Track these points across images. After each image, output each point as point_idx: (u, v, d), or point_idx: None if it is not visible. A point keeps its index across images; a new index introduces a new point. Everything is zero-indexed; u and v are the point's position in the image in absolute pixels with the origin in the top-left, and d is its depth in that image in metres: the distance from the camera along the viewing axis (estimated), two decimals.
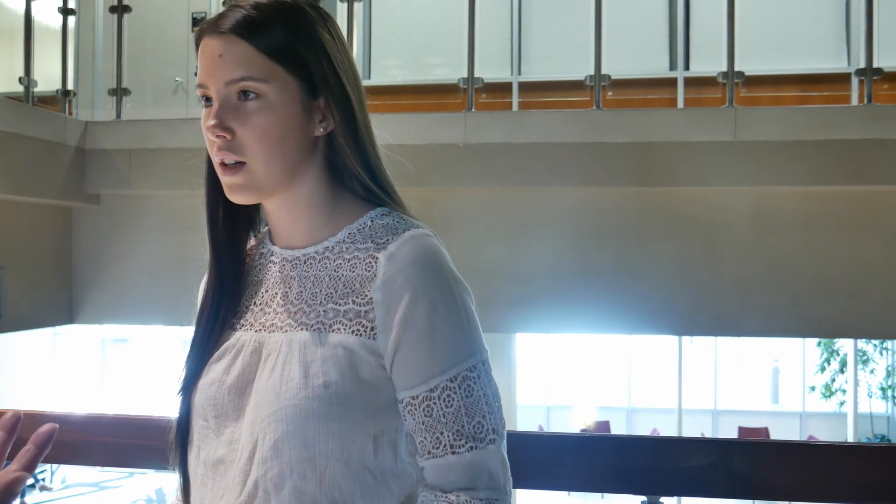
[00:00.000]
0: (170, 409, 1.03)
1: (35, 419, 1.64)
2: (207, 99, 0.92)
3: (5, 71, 4.98)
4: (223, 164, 0.91)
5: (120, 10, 4.77)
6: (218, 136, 0.89)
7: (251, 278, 1.01)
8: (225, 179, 0.92)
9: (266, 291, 0.98)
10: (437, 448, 0.88)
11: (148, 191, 4.76)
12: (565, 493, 8.57)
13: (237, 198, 0.93)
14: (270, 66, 0.89)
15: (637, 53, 5.66)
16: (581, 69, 4.03)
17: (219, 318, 0.98)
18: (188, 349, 1.00)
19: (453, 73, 4.76)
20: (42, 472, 5.73)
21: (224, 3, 4.74)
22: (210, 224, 1.00)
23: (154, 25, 5.42)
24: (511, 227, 4.06)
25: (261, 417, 0.89)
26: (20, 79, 4.58)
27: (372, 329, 0.89)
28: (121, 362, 6.72)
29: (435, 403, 0.88)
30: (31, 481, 5.70)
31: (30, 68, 4.60)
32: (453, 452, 0.88)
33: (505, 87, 5.66)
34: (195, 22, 5.58)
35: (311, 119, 0.93)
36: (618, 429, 7.96)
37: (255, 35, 0.89)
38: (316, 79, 0.91)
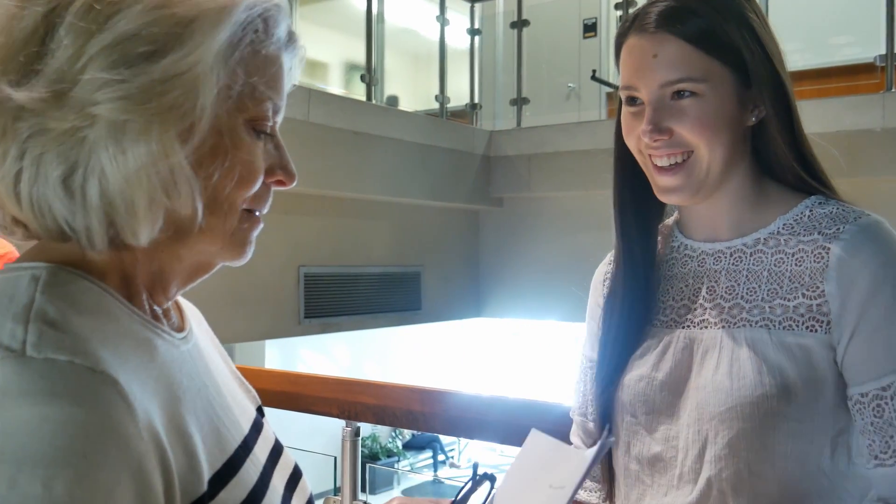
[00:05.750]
0: (554, 396, 1.03)
1: (440, 396, 1.83)
2: (632, 99, 0.90)
3: (423, 92, 5.60)
4: (658, 167, 0.90)
5: (519, 24, 5.10)
6: (656, 140, 0.88)
7: (664, 272, 0.98)
8: (662, 181, 0.90)
9: (686, 287, 0.95)
10: (886, 453, 0.81)
11: (545, 193, 5.01)
12: None
13: (672, 199, 0.92)
14: (707, 63, 0.86)
15: None
16: None
17: (633, 313, 0.97)
18: (601, 344, 1.00)
19: (865, 51, 4.28)
20: (451, 449, 6.43)
21: (616, 6, 4.80)
22: (620, 217, 0.99)
23: (548, 35, 5.69)
24: None
25: (709, 415, 0.86)
26: (436, 97, 5.12)
27: (827, 323, 0.84)
28: (514, 352, 7.34)
29: (887, 403, 0.81)
30: (441, 457, 6.33)
31: (444, 87, 5.12)
32: None
33: None
34: (586, 28, 5.74)
35: (744, 109, 0.89)
36: None
37: (687, 30, 0.85)
38: (750, 68, 0.87)
